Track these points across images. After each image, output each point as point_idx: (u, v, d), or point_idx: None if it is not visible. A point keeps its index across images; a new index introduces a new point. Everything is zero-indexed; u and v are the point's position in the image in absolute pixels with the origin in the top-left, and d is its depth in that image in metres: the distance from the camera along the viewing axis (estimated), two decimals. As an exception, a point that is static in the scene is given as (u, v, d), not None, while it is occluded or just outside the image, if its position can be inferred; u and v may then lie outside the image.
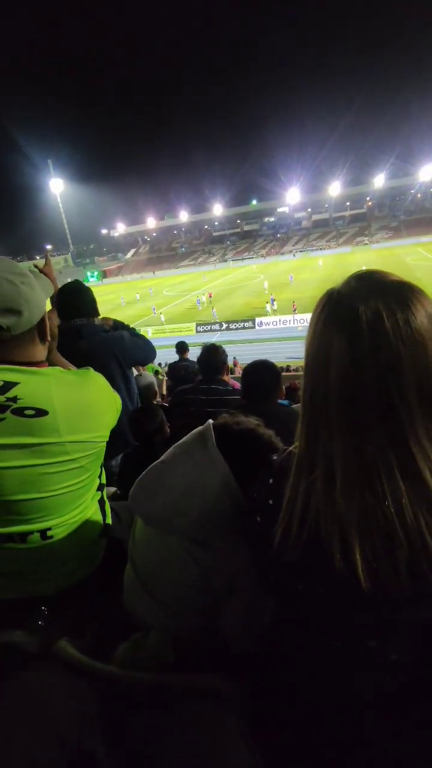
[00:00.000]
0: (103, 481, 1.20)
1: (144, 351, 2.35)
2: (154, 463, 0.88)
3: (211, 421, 0.91)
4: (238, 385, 2.77)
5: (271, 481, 0.72)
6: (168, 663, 0.76)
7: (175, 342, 6.43)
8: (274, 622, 0.77)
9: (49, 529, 0.99)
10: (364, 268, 0.65)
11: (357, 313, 0.56)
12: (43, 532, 0.98)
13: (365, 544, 0.55)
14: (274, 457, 0.77)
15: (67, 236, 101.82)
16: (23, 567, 1.01)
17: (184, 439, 0.89)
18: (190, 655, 0.77)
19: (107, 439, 1.08)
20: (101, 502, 1.17)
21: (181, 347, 6.13)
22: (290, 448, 0.71)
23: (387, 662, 0.58)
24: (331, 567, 0.56)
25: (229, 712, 0.60)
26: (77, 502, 1.05)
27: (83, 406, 0.99)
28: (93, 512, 1.12)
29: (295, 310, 25.74)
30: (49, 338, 1.08)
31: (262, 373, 2.18)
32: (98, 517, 1.14)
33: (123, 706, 0.62)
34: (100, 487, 1.17)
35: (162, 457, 0.88)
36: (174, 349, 6.28)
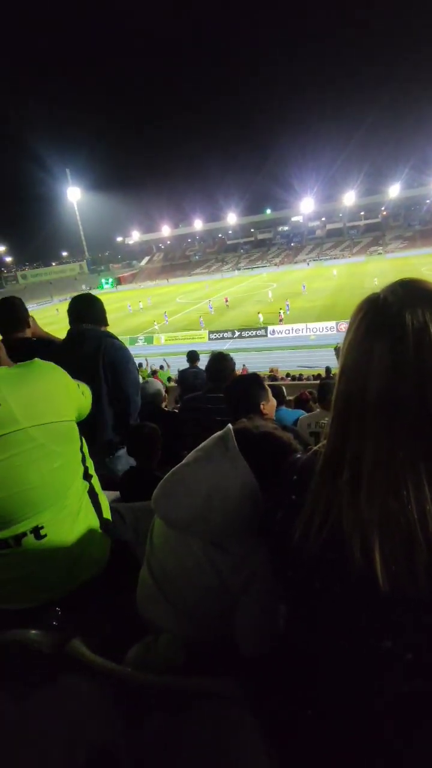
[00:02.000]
0: (91, 471, 1.18)
1: (136, 385, 2.31)
2: (176, 466, 0.90)
3: (230, 425, 0.92)
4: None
5: (294, 477, 0.72)
6: (178, 666, 0.76)
7: (187, 349, 6.64)
8: (286, 624, 0.77)
9: (41, 527, 0.99)
10: (376, 279, 0.66)
11: (404, 320, 0.55)
12: (36, 532, 0.98)
13: (385, 545, 0.55)
14: (298, 455, 0.78)
15: (83, 243, 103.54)
16: (27, 572, 1.01)
17: (204, 443, 0.91)
18: (200, 658, 0.78)
19: (74, 420, 1.10)
20: (92, 493, 1.16)
21: (192, 356, 6.25)
22: (315, 448, 0.72)
23: (402, 663, 0.58)
24: (349, 565, 0.57)
25: (240, 714, 0.61)
26: (62, 492, 1.04)
27: (36, 392, 1.01)
28: (84, 504, 1.11)
29: (281, 321, 25.65)
30: None
31: (244, 383, 2.10)
32: (90, 509, 1.13)
33: (135, 707, 0.63)
34: (87, 476, 1.15)
35: (183, 461, 0.90)
36: (185, 357, 6.41)
